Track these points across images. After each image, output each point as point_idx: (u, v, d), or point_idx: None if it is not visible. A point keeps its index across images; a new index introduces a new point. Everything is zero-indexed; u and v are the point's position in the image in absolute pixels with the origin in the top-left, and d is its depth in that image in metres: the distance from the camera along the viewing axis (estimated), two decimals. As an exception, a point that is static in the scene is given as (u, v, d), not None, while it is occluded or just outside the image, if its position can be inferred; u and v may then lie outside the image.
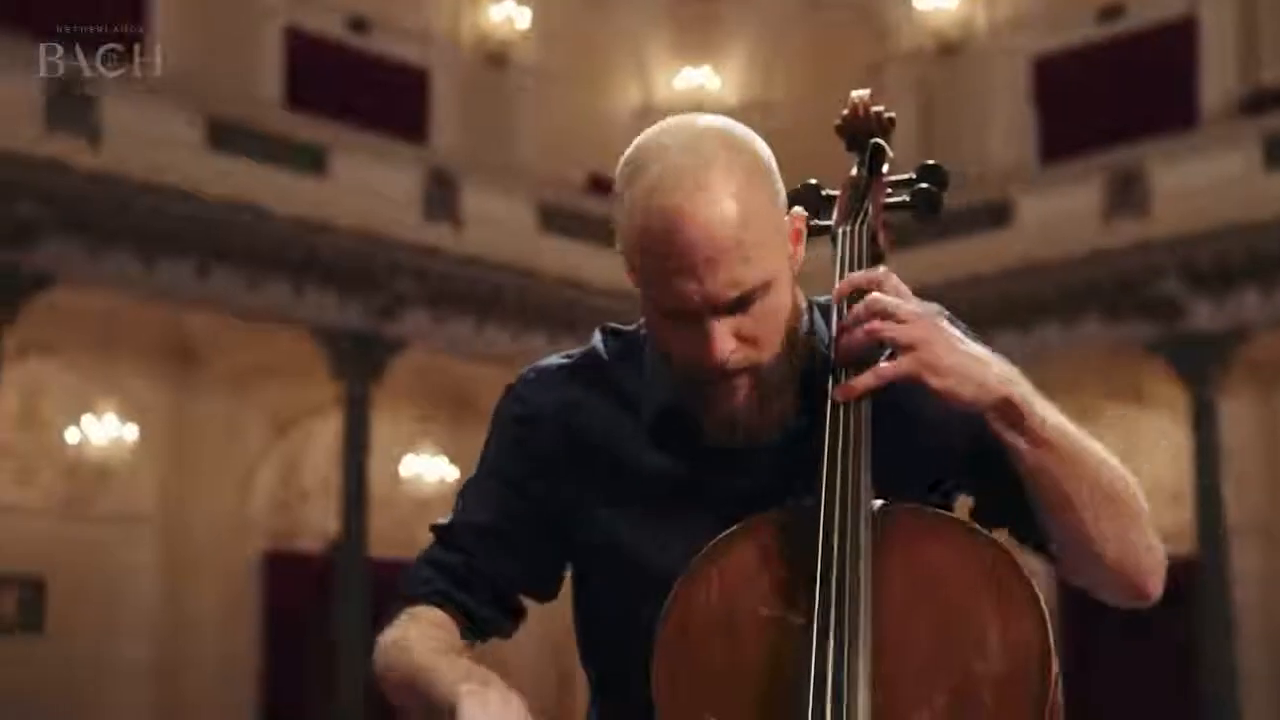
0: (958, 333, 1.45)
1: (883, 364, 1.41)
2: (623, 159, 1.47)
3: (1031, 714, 1.30)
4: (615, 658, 1.54)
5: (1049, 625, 1.32)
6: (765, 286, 1.43)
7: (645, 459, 1.53)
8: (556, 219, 15.36)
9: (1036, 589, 1.34)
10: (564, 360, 1.62)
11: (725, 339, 1.42)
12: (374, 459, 13.89)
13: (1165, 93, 15.26)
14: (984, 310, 14.81)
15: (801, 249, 1.53)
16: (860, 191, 1.63)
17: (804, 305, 1.56)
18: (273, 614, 14.97)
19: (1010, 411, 1.41)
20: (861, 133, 1.66)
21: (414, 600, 1.56)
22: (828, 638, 1.32)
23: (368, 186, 13.80)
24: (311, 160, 13.69)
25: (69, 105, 12.10)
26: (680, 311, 1.43)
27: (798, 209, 1.52)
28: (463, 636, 1.54)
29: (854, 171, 1.65)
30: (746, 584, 1.39)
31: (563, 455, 1.56)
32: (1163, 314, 14.03)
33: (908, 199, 1.64)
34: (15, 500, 13.19)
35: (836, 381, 1.45)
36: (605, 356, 1.60)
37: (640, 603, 1.45)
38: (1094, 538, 1.45)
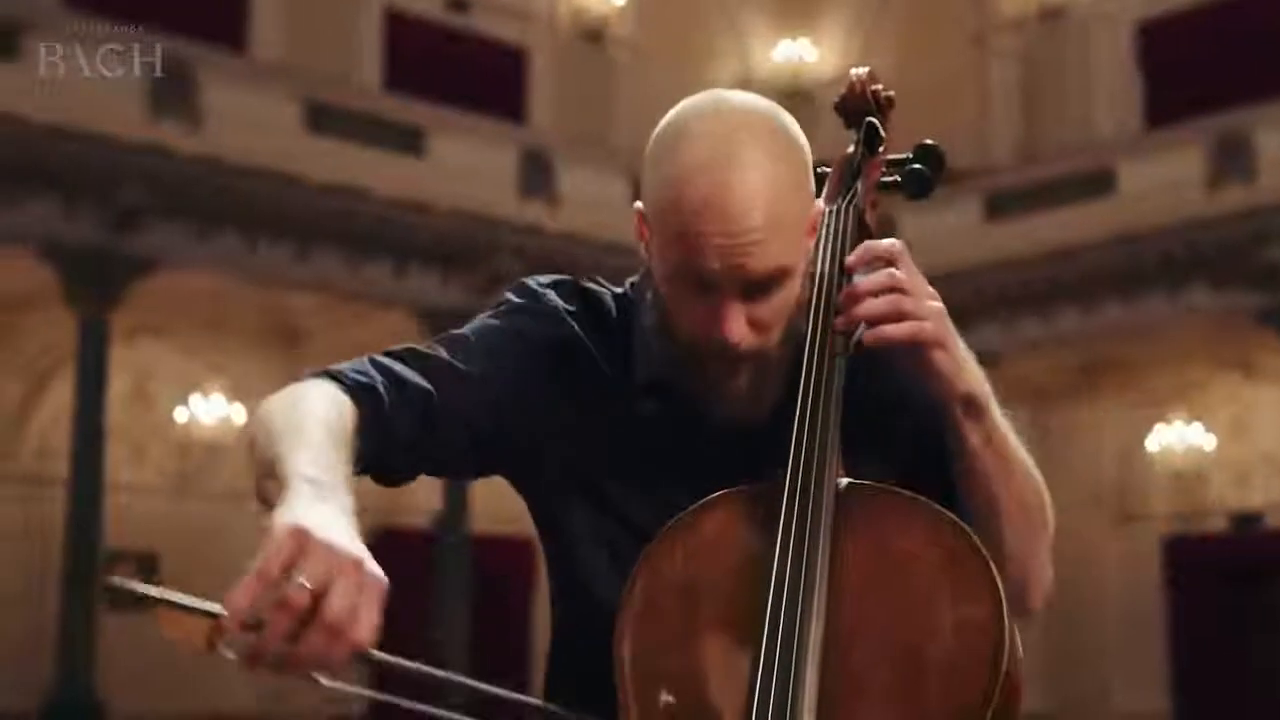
0: (950, 325, 1.48)
1: (919, 325, 1.43)
2: (664, 123, 1.47)
3: (980, 696, 1.29)
4: (584, 613, 1.53)
5: (1005, 609, 1.32)
6: (785, 274, 1.44)
7: (633, 418, 1.53)
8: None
9: (995, 573, 1.34)
10: (580, 282, 1.61)
11: (740, 320, 1.43)
12: (476, 436, 13.99)
13: (1271, 56, 14.93)
14: (1087, 280, 14.62)
15: (811, 241, 1.52)
16: (853, 170, 1.63)
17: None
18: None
19: (974, 407, 1.47)
20: (858, 112, 1.66)
21: (334, 376, 1.44)
22: (780, 613, 1.32)
23: (465, 166, 13.88)
24: (410, 141, 13.80)
25: (171, 91, 12.29)
26: (702, 284, 1.42)
27: (818, 203, 1.52)
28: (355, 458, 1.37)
29: (849, 150, 1.66)
30: (711, 556, 1.40)
31: (562, 367, 1.54)
32: (1271, 282, 13.74)
33: (899, 179, 1.64)
34: (128, 479, 13.46)
35: (829, 315, 1.47)
36: (610, 303, 1.60)
37: (611, 555, 1.47)
38: (1004, 546, 1.47)
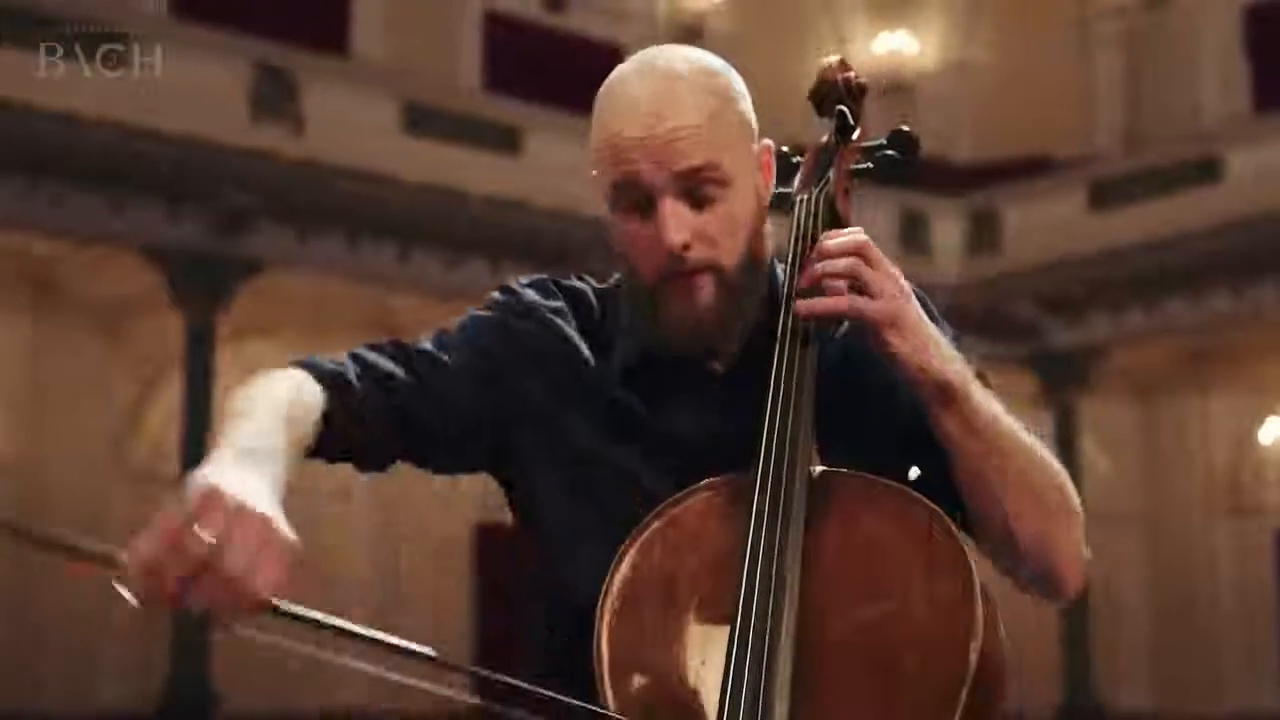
0: (920, 309, 1.46)
1: (856, 297, 1.43)
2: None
3: (953, 679, 1.29)
4: (563, 604, 1.53)
5: (978, 592, 1.32)
6: (725, 184, 1.47)
7: (615, 394, 1.55)
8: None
9: (968, 557, 1.34)
10: (559, 280, 1.67)
11: (680, 225, 1.46)
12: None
13: (1387, 36, 14.57)
14: (1195, 269, 14.35)
15: (771, 179, 1.56)
16: (825, 159, 1.63)
17: (770, 250, 1.57)
18: (483, 585, 15.27)
19: (947, 395, 1.43)
20: (830, 100, 1.66)
21: (310, 367, 1.49)
22: (752, 600, 1.33)
23: (563, 165, 13.92)
24: (507, 141, 13.87)
25: (273, 95, 12.45)
26: (638, 200, 1.47)
27: (766, 140, 1.55)
28: (324, 437, 1.45)
29: (823, 139, 1.66)
30: (689, 548, 1.41)
31: (543, 357, 1.57)
32: (1388, 268, 13.42)
33: (871, 165, 1.64)
34: (236, 478, 13.65)
35: (794, 299, 1.47)
36: (592, 298, 1.64)
37: (589, 531, 1.48)
38: (1012, 529, 1.47)
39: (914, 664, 1.31)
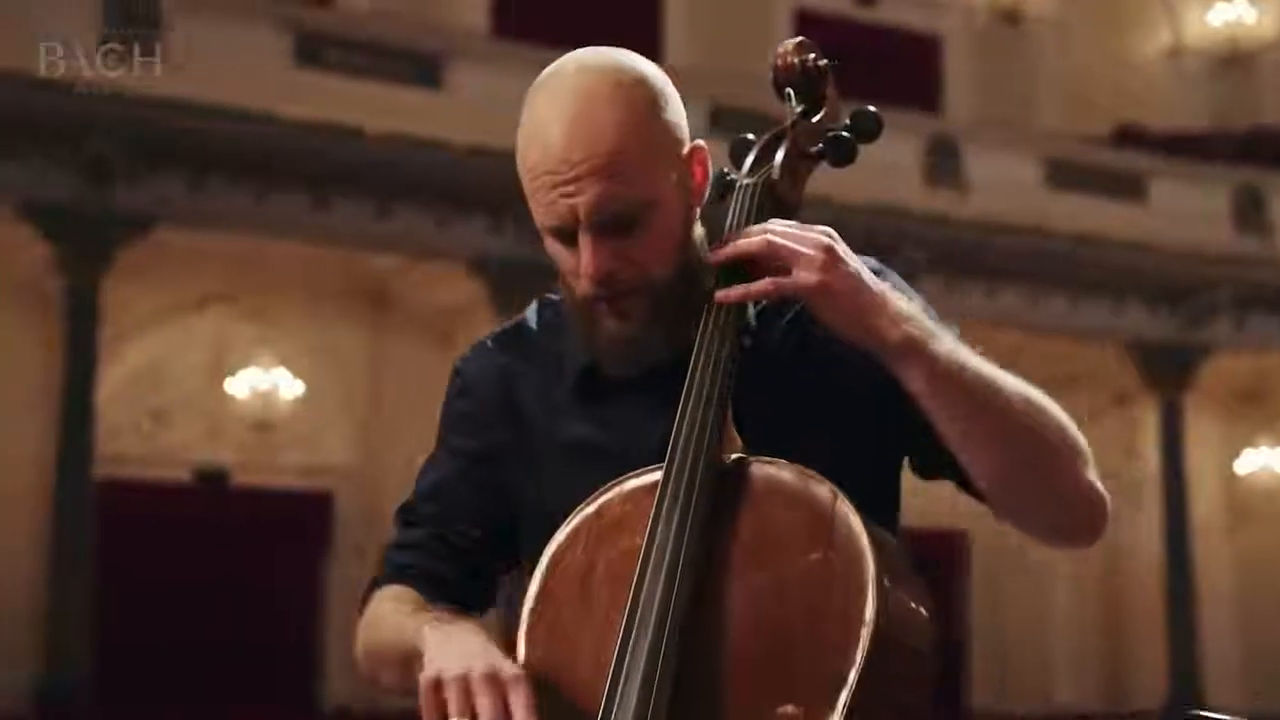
0: (858, 266, 1.42)
1: (779, 278, 1.39)
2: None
3: (841, 665, 1.29)
4: None
5: (871, 579, 1.31)
6: (647, 208, 1.44)
7: (569, 424, 1.55)
8: (1068, 175, 14.72)
9: (867, 545, 1.32)
10: (495, 333, 1.67)
11: (605, 257, 1.44)
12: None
13: None
14: None
15: (706, 179, 1.53)
16: (774, 143, 1.61)
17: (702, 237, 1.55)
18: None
19: (903, 352, 1.39)
20: (784, 84, 1.64)
21: (379, 585, 1.59)
22: (641, 591, 1.34)
23: (877, 160, 13.71)
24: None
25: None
26: (561, 229, 1.45)
27: (699, 141, 1.52)
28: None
29: (785, 123, 1.63)
30: (609, 539, 1.42)
31: (501, 419, 1.60)
32: None
33: (822, 147, 1.59)
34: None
35: (718, 285, 1.45)
36: (535, 326, 1.64)
37: None
38: (1007, 477, 1.44)
39: (803, 649, 1.31)
